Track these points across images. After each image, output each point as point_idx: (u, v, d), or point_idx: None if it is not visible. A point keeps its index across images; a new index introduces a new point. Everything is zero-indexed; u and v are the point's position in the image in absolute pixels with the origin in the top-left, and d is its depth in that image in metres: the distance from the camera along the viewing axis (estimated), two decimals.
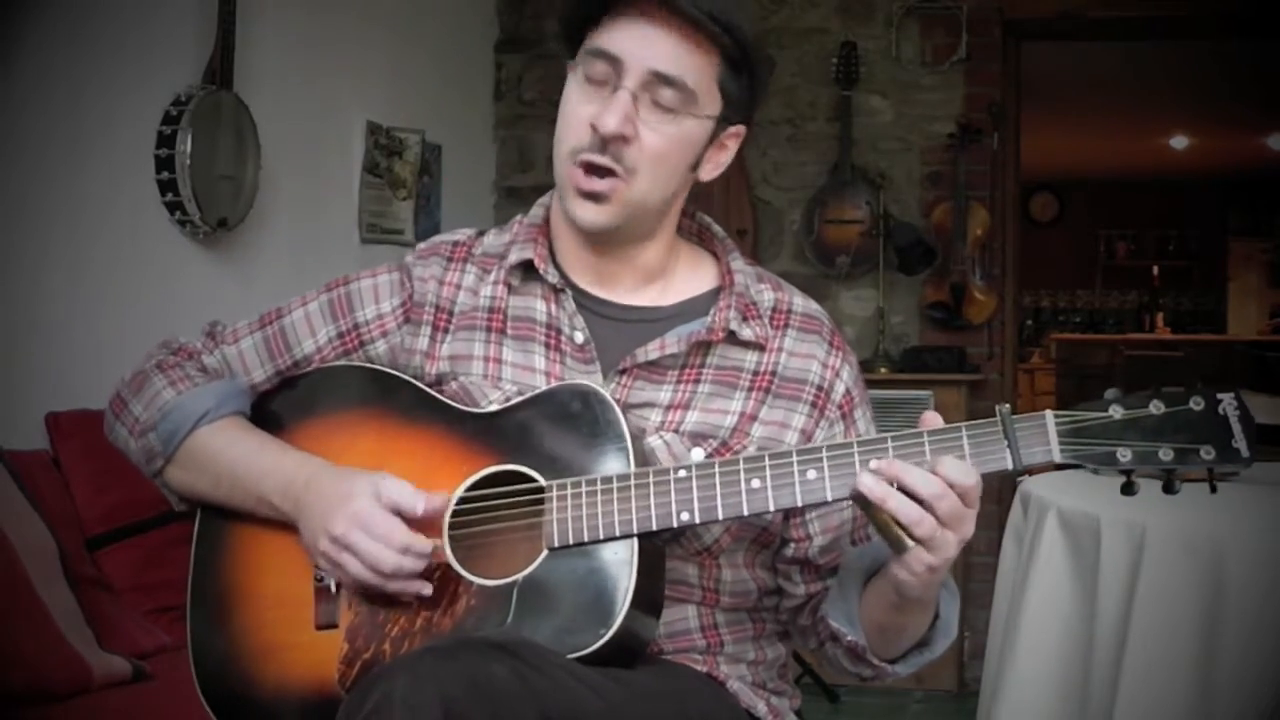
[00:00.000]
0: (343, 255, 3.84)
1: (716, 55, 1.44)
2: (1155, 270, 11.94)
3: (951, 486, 1.28)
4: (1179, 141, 9.78)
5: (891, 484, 1.29)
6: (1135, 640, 1.87)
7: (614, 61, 1.41)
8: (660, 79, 1.41)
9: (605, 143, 1.42)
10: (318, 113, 3.78)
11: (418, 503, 1.40)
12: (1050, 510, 2.11)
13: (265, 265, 3.48)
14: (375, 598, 1.43)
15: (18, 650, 2.22)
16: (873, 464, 1.30)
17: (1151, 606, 1.87)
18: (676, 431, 1.48)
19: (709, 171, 1.52)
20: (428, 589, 1.40)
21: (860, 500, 1.30)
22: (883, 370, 4.61)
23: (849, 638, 1.46)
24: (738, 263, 1.56)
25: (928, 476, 1.28)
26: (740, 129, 1.52)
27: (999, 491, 4.65)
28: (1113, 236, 12.13)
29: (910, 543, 1.28)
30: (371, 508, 1.39)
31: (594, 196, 1.44)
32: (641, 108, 1.42)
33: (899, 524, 1.28)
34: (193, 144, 3.03)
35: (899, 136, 4.75)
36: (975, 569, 4.65)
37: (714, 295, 1.55)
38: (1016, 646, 2.09)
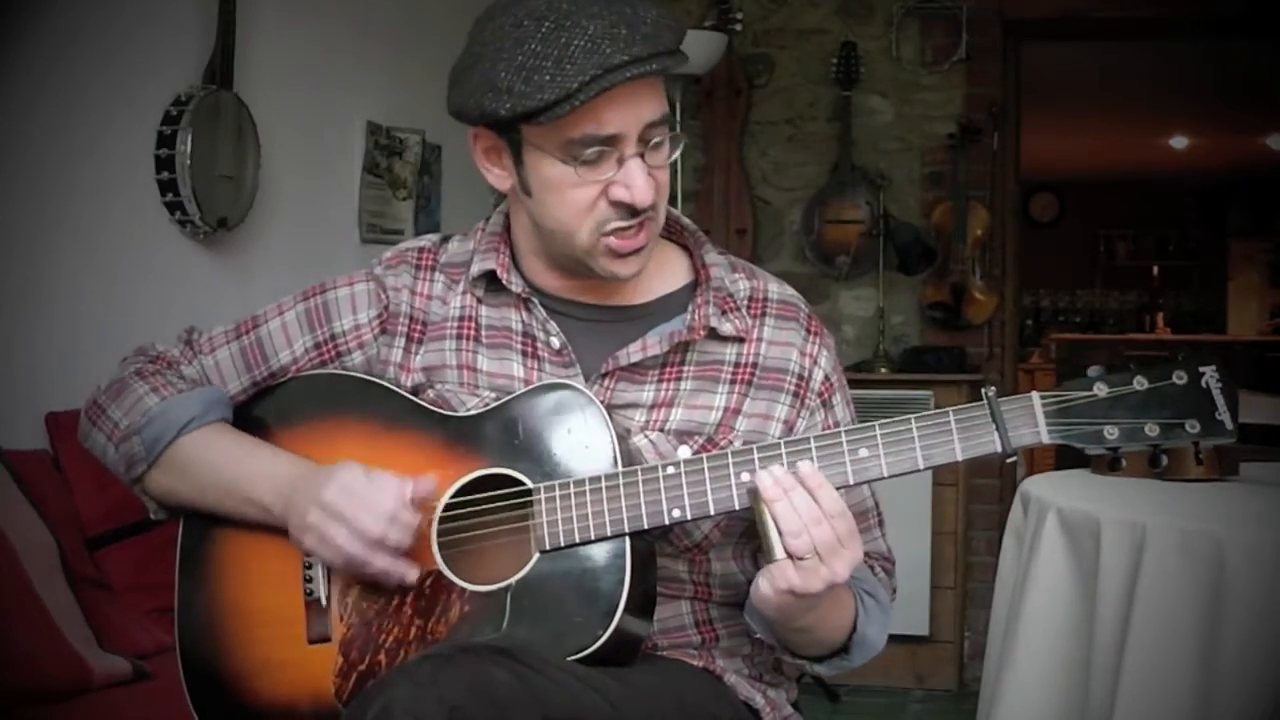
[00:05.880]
0: (343, 255, 3.84)
1: None
2: (1155, 270, 11.93)
3: (827, 515, 1.30)
4: (1179, 141, 9.77)
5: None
6: (1135, 640, 1.87)
7: (610, 140, 1.39)
8: (651, 126, 1.41)
9: (636, 210, 1.41)
10: (318, 113, 3.77)
11: (405, 487, 1.40)
12: (1050, 510, 2.11)
13: (265, 265, 3.47)
14: (368, 608, 1.42)
15: (18, 650, 2.22)
16: (773, 468, 1.33)
17: (1151, 606, 1.87)
18: (662, 430, 1.48)
19: None
20: (413, 574, 1.39)
21: (754, 496, 1.33)
22: (883, 370, 4.60)
23: (757, 634, 1.49)
24: (711, 255, 1.56)
25: (809, 501, 1.31)
26: None
27: (999, 491, 4.65)
28: (1113, 236, 12.13)
29: (781, 553, 1.31)
30: (359, 478, 1.39)
31: (636, 251, 1.44)
32: (646, 157, 1.42)
33: (779, 530, 1.31)
34: (193, 144, 3.03)
35: (899, 136, 4.76)
36: (975, 569, 4.65)
37: (689, 290, 1.54)
38: (1016, 646, 2.09)
